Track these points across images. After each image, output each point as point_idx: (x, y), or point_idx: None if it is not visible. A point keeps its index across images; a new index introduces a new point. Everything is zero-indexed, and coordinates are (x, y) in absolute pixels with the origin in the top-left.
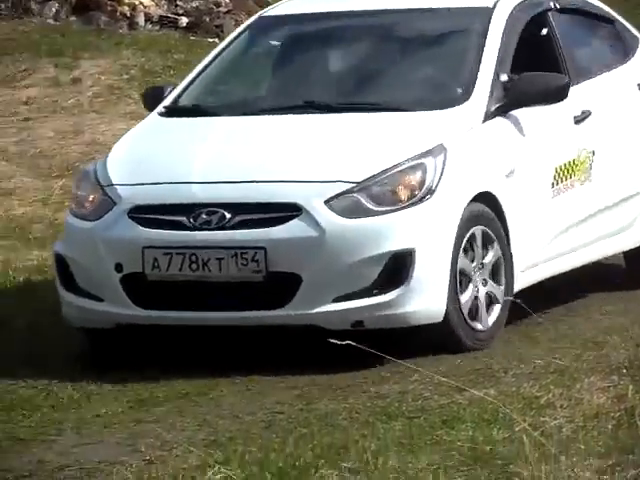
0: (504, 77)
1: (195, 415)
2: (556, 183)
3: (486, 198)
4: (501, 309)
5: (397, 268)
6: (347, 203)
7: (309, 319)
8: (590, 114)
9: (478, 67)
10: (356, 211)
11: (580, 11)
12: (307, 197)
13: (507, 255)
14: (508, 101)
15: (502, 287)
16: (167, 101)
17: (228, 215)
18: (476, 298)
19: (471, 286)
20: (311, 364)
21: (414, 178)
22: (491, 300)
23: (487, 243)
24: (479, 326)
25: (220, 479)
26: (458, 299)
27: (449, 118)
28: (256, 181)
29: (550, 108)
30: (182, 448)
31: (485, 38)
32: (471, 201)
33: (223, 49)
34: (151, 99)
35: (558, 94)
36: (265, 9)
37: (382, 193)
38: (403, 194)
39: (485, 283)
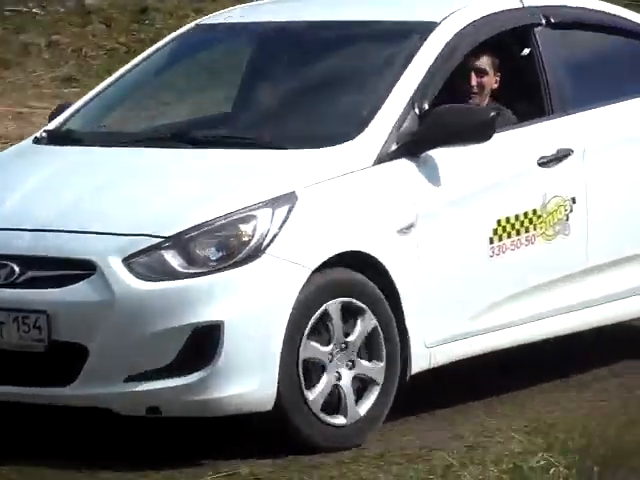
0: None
1: (514, 402)
2: (498, 239)
3: (359, 260)
4: (381, 393)
5: (201, 345)
6: (151, 262)
7: (96, 401)
8: (571, 154)
9: (386, 97)
10: (160, 272)
11: (590, 26)
12: (104, 253)
13: (390, 326)
14: (417, 139)
15: (382, 364)
16: (52, 124)
17: (17, 270)
18: (337, 387)
19: (326, 375)
20: None
21: (239, 234)
22: (366, 383)
23: (356, 316)
24: (341, 420)
25: (543, 466)
26: (301, 392)
27: (323, 159)
28: (54, 230)
29: (494, 147)
30: (504, 434)
31: (410, 61)
32: (328, 265)
33: (141, 61)
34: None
35: (478, 133)
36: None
37: (195, 252)
38: (222, 254)
39: (352, 365)
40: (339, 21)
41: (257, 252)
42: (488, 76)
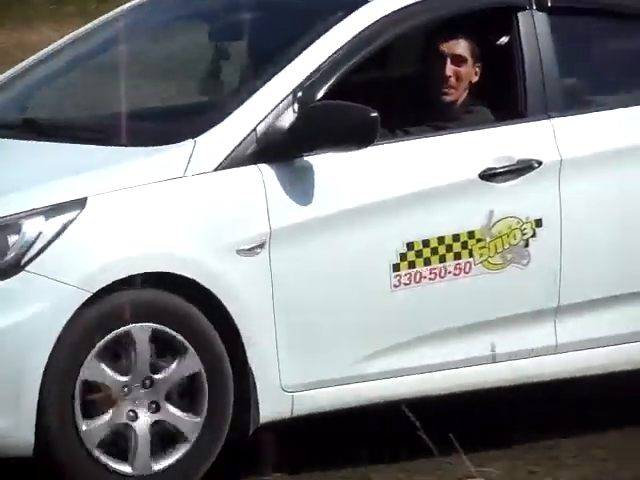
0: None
1: None
2: (407, 266)
3: (183, 285)
4: (192, 452)
5: None
6: None
7: None
8: (537, 166)
9: (260, 87)
10: None
11: (595, 11)
12: None
13: (221, 374)
14: (283, 140)
15: (199, 419)
16: None
17: None
18: (128, 426)
19: (114, 408)
20: None
21: None
22: (174, 435)
23: (175, 352)
24: (126, 469)
25: None
26: (73, 419)
27: (147, 160)
28: None
29: (416, 153)
30: None
31: (310, 43)
32: (128, 285)
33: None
34: None
35: (355, 136)
36: None
37: None
38: None
39: (155, 409)
40: None
41: (13, 268)
42: (466, 65)
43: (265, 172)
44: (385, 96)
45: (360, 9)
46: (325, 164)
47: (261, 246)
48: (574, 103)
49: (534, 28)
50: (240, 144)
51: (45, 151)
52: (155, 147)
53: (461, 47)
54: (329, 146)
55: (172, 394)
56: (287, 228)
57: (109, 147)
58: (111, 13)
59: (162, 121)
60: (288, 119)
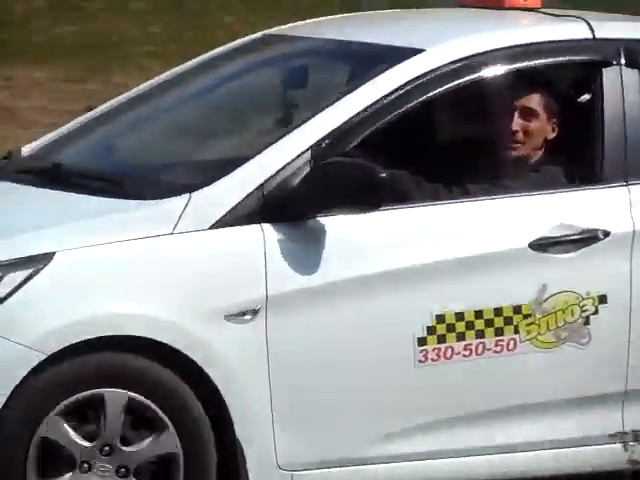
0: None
1: None
2: (436, 340)
3: (157, 350)
4: None
5: None
6: None
7: None
8: (602, 237)
9: (276, 140)
10: None
11: None
12: None
13: (206, 453)
14: (289, 200)
15: None
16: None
17: None
18: None
19: (72, 474)
20: None
21: None
22: None
23: (153, 428)
24: None
25: None
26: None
27: (134, 213)
28: None
29: (457, 217)
30: None
31: (345, 95)
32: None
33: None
34: None
35: (359, 198)
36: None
37: None
38: None
39: None
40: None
41: None
42: (538, 120)
43: (268, 232)
44: (442, 153)
45: (414, 58)
46: (343, 225)
47: (255, 312)
48: None
49: (621, 86)
50: (243, 201)
51: (37, 199)
52: (149, 200)
53: (533, 101)
54: (335, 207)
55: (143, 472)
56: (289, 293)
57: (103, 198)
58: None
59: (168, 174)
60: (298, 177)
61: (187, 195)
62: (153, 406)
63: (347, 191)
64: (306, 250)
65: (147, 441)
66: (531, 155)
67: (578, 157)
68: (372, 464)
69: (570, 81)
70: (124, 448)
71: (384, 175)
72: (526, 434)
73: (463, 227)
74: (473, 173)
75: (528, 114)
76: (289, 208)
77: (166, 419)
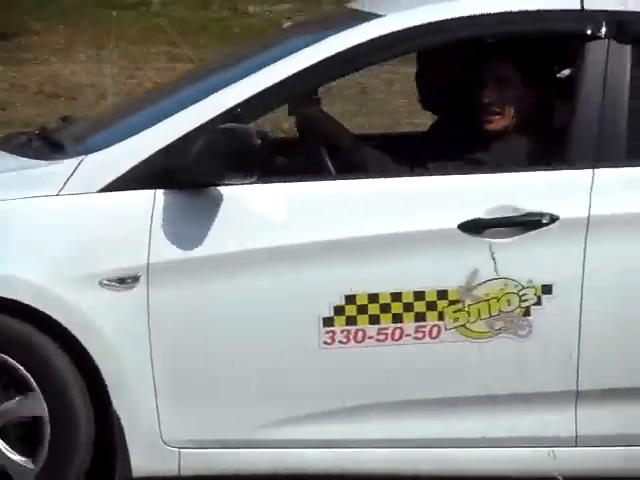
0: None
1: None
2: (345, 322)
3: (29, 312)
4: None
5: None
6: None
7: None
8: (549, 222)
9: (194, 102)
10: None
11: None
12: None
13: (75, 419)
14: (176, 167)
15: (32, 467)
16: None
17: None
18: None
19: None
20: None
21: None
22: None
23: (20, 389)
24: None
25: None
26: None
27: (21, 173)
28: None
29: (379, 192)
30: None
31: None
32: None
33: None
34: None
35: (237, 166)
36: None
37: None
38: None
39: None
40: None
41: None
42: (514, 90)
43: (159, 199)
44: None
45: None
46: (245, 196)
47: (135, 279)
48: (636, 156)
49: (605, 62)
50: (137, 166)
51: None
52: (46, 161)
53: (507, 70)
54: (219, 176)
55: (7, 431)
56: (175, 262)
57: (23, 158)
58: None
59: (73, 139)
60: (195, 146)
61: (79, 158)
62: (18, 366)
63: (226, 159)
64: (200, 220)
65: (13, 401)
66: (507, 127)
67: (548, 134)
68: (266, 448)
69: (553, 53)
70: None
71: (259, 142)
72: (452, 429)
73: (387, 203)
74: (433, 147)
75: (502, 83)
76: (182, 176)
77: (33, 382)
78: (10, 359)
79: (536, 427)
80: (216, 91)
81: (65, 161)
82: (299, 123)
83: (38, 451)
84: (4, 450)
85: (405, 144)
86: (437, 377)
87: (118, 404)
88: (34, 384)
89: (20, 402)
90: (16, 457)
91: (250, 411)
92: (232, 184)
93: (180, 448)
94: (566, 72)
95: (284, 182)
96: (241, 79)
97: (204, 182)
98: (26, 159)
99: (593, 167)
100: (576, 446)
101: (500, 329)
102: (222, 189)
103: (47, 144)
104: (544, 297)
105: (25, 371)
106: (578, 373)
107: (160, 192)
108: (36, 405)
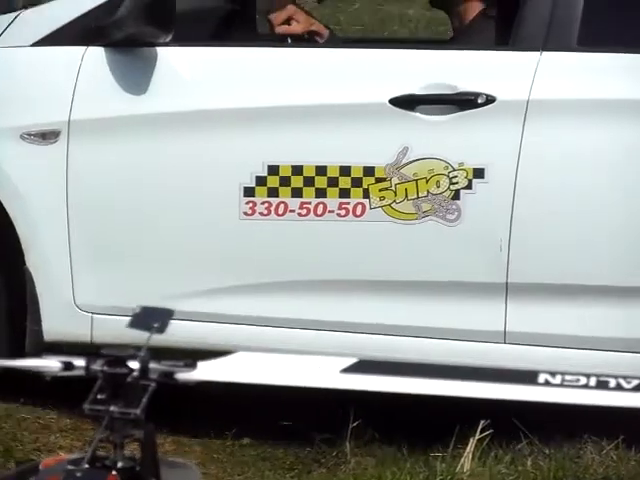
0: None
1: None
2: (267, 193)
3: None
4: None
5: None
6: None
7: None
8: (487, 102)
9: None
10: None
11: None
12: None
13: None
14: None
15: None
16: None
17: None
18: None
19: None
20: None
21: None
22: None
23: None
24: None
25: None
26: None
27: None
28: None
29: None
30: None
31: None
32: None
33: None
34: None
35: (155, 21)
36: None
37: None
38: None
39: None
40: None
41: None
42: None
43: (89, 55)
44: None
45: None
46: (180, 57)
47: (55, 135)
48: (590, 39)
49: None
50: (72, 22)
51: None
52: None
53: None
54: (139, 31)
55: None
56: (96, 120)
57: None
58: None
59: None
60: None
61: (16, 13)
62: None
63: (144, 14)
64: (127, 79)
65: None
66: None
67: (503, 13)
68: (177, 319)
69: None
70: None
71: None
72: (368, 314)
73: (318, 72)
74: None
75: None
76: (109, 32)
77: None
78: None
79: (462, 319)
80: None
81: (3, 15)
82: None
83: None
84: None
85: None
86: (358, 257)
87: (31, 261)
88: None
89: None
90: None
91: (164, 279)
92: (151, 42)
93: (93, 313)
94: None
95: (215, 46)
96: None
97: (128, 39)
98: None
99: (541, 50)
100: (504, 343)
101: (427, 212)
102: (153, 49)
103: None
104: (475, 181)
105: None
106: (508, 266)
107: (91, 49)
108: None
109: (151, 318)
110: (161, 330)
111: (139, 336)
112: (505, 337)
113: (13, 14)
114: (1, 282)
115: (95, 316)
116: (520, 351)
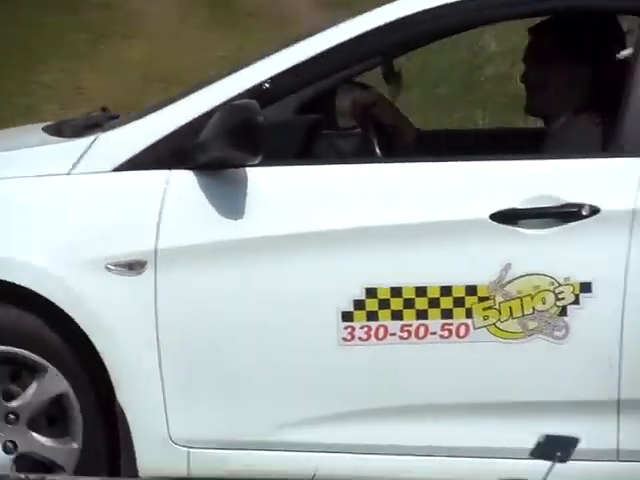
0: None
1: None
2: (366, 317)
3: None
4: None
5: None
6: None
7: None
8: (592, 213)
9: (210, 84)
10: None
11: None
12: None
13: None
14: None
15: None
16: None
17: None
18: None
19: None
20: None
21: None
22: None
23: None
24: None
25: None
26: None
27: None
28: None
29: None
30: None
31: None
32: None
33: None
34: None
35: (241, 144)
36: None
37: None
38: None
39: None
40: None
41: None
42: (557, 68)
43: (174, 179)
44: None
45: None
46: (266, 178)
47: (142, 265)
48: None
49: None
50: (155, 144)
51: (25, 137)
52: (63, 139)
53: (548, 45)
54: (225, 154)
55: (37, 421)
56: (186, 248)
57: (50, 136)
58: None
59: (102, 121)
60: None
61: (95, 136)
62: (25, 353)
63: (229, 136)
64: (215, 202)
65: (33, 386)
66: (555, 111)
67: (605, 121)
68: (279, 450)
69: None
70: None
71: (261, 118)
72: (478, 438)
73: (416, 189)
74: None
75: (538, 61)
76: (194, 155)
77: (44, 361)
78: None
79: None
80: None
81: (80, 139)
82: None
83: (72, 428)
84: (41, 440)
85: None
86: (463, 380)
87: (123, 398)
88: (45, 362)
89: (39, 384)
90: (54, 443)
91: (263, 410)
92: (238, 164)
93: (190, 448)
94: (625, 52)
95: (305, 164)
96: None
97: (215, 162)
98: (55, 137)
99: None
100: (618, 460)
101: (534, 330)
102: (242, 170)
103: (88, 125)
104: (582, 296)
105: (34, 355)
106: (620, 382)
107: (175, 173)
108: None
109: (555, 446)
110: (564, 459)
111: (237, 469)
112: (618, 455)
113: (90, 138)
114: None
115: (192, 450)
116: (634, 468)
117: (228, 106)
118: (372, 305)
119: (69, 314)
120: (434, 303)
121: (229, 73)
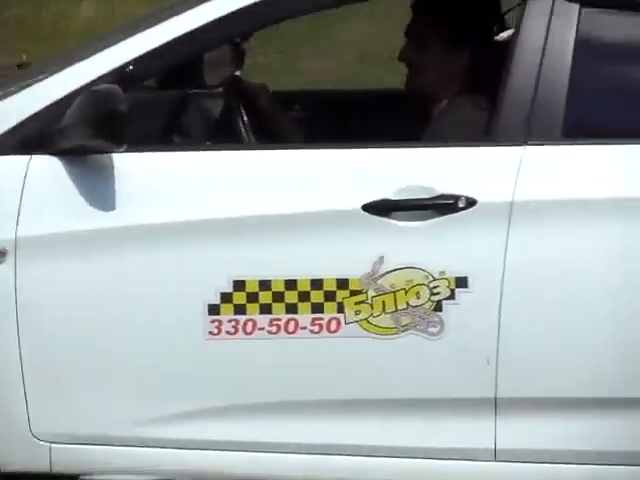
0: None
1: None
2: (233, 310)
3: None
4: None
5: None
6: None
7: None
8: (468, 205)
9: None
10: None
11: None
12: None
13: None
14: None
15: None
16: None
17: None
18: None
19: None
20: None
21: None
22: None
23: None
24: None
25: None
26: None
27: None
28: None
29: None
30: None
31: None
32: None
33: None
34: None
35: (103, 131)
36: None
37: None
38: None
39: None
40: None
41: None
42: (430, 46)
43: (35, 165)
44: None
45: None
46: (133, 164)
47: (2, 254)
48: (576, 131)
49: (547, 23)
50: (12, 130)
51: None
52: None
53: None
54: (88, 141)
55: None
56: (47, 236)
57: None
58: None
59: None
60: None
61: None
62: None
63: (92, 123)
64: (77, 190)
65: None
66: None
67: (473, 104)
68: (142, 447)
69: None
70: None
71: (122, 107)
72: (358, 435)
73: (283, 178)
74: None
75: (415, 37)
76: (55, 141)
77: None
78: None
79: (448, 437)
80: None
81: None
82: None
83: None
84: None
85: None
86: (333, 376)
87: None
88: None
89: None
90: None
91: (126, 406)
92: (102, 151)
93: (51, 443)
94: (504, 34)
95: (170, 151)
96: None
97: (78, 149)
98: None
99: (523, 145)
100: (495, 461)
101: (407, 325)
102: (103, 157)
103: None
104: (458, 291)
105: None
106: (497, 379)
107: (38, 158)
108: None
109: None
110: None
111: (100, 465)
112: (495, 455)
113: None
114: None
115: (54, 445)
116: (512, 468)
117: (89, 92)
118: (240, 298)
119: None
120: (304, 297)
121: (92, 52)
